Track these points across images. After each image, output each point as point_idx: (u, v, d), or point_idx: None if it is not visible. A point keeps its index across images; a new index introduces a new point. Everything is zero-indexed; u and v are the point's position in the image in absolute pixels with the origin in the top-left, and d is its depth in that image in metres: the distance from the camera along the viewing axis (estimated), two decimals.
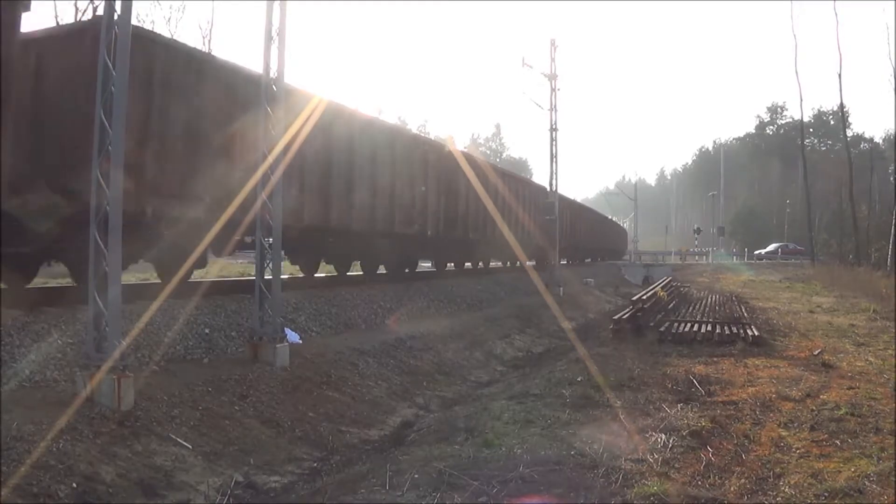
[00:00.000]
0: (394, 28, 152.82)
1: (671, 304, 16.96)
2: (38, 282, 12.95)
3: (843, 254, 35.24)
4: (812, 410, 6.47)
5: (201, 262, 9.99)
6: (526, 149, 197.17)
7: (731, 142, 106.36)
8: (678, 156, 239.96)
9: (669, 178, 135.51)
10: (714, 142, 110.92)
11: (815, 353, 9.74)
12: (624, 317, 12.37)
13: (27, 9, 6.78)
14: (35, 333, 6.74)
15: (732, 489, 4.55)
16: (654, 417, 6.30)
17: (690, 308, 16.12)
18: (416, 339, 11.18)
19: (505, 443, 5.63)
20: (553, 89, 23.78)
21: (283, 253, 9.93)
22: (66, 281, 12.77)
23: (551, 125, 23.95)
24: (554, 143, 23.98)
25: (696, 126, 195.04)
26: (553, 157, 24.12)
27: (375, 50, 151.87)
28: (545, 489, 4.53)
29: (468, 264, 21.94)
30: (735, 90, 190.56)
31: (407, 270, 17.46)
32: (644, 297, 14.64)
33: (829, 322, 14.09)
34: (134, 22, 6.41)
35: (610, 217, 59.08)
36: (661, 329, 11.63)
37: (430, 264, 20.90)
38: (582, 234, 34.97)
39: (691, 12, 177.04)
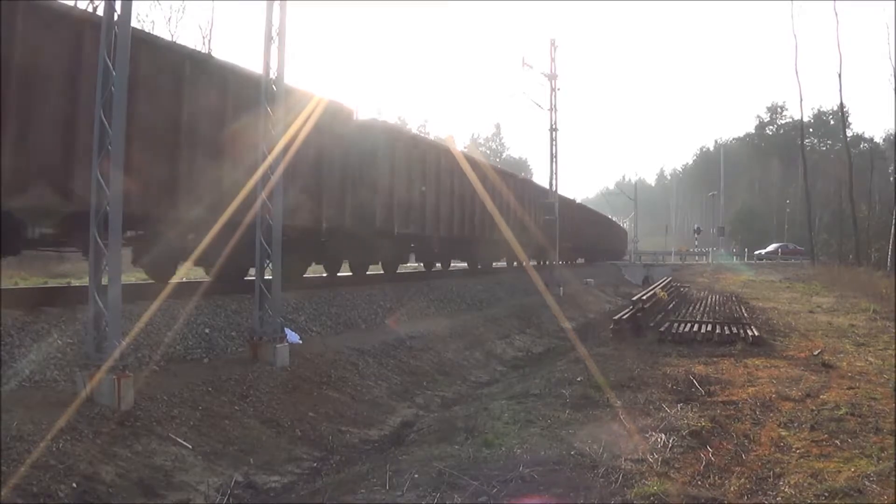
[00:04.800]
0: (394, 29, 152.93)
1: (671, 304, 16.97)
2: (37, 282, 12.97)
3: (843, 254, 35.24)
4: (812, 410, 6.47)
5: None
6: (526, 149, 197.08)
7: (731, 142, 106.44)
8: (678, 156, 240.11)
9: (669, 178, 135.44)
10: (715, 141, 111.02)
11: (815, 353, 9.74)
12: (624, 317, 12.37)
13: None
14: (35, 333, 6.73)
15: (732, 489, 4.54)
16: (654, 417, 6.29)
17: (690, 308, 16.12)
18: (416, 339, 11.18)
19: (505, 443, 5.63)
20: (553, 89, 23.81)
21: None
22: (66, 281, 12.79)
23: (551, 125, 23.96)
24: (554, 143, 24.00)
25: (696, 126, 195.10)
26: (553, 157, 24.14)
27: (375, 50, 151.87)
28: (545, 489, 4.53)
29: (468, 264, 21.91)
30: (735, 90, 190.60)
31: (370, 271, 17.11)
32: (644, 297, 14.63)
33: (829, 322, 14.09)
34: (133, 23, 6.42)
35: (610, 217, 59.09)
36: (661, 329, 11.63)
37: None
38: (582, 234, 34.97)
39: (691, 12, 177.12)
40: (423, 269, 19.33)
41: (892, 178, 50.22)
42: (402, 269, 18.11)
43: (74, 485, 4.62)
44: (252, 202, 8.50)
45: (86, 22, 7.30)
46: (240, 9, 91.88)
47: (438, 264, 19.78)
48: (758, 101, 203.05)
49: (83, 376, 5.87)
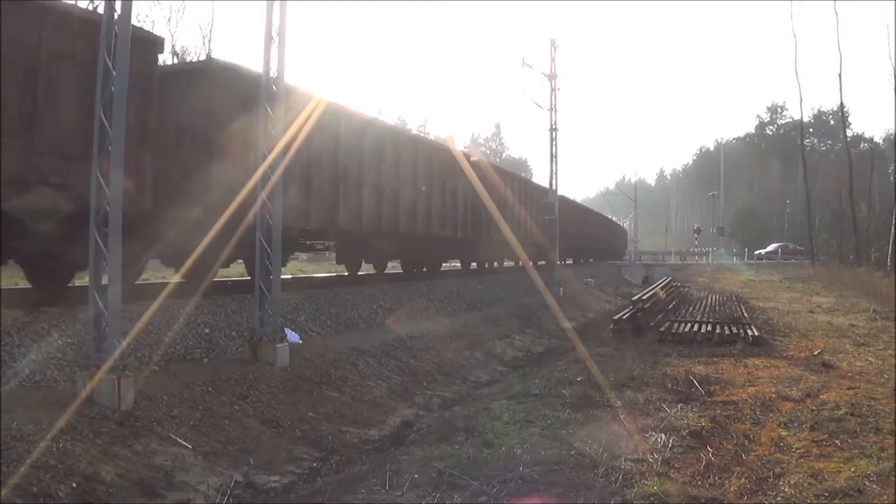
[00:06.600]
0: (394, 28, 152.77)
1: (671, 304, 16.96)
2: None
3: (843, 254, 35.21)
4: (812, 410, 6.47)
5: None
6: (526, 149, 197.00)
7: (731, 142, 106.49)
8: (678, 156, 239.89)
9: (669, 178, 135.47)
10: (715, 141, 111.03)
11: (815, 353, 9.74)
12: (624, 317, 12.37)
13: (161, 50, 7.85)
14: (35, 333, 6.73)
15: (732, 489, 4.55)
16: (654, 417, 6.30)
17: (690, 308, 16.11)
18: (416, 339, 11.18)
19: (505, 443, 5.63)
20: (553, 89, 23.80)
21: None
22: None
23: (551, 125, 23.96)
24: (554, 143, 23.99)
25: (696, 126, 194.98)
26: (553, 157, 24.14)
27: (375, 50, 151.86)
28: (545, 489, 4.53)
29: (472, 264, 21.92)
30: (735, 90, 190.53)
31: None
32: (644, 297, 14.64)
33: (829, 322, 14.08)
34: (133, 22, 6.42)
35: (610, 217, 59.12)
36: (661, 329, 11.63)
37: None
38: (582, 234, 34.96)
39: (691, 12, 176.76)
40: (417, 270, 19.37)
41: (892, 178, 50.26)
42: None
43: (74, 485, 4.62)
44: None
45: None
46: (240, 9, 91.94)
47: (456, 264, 19.97)
48: (758, 101, 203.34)
49: (83, 376, 5.87)
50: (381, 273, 16.66)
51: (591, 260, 41.66)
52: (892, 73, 66.91)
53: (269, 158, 8.42)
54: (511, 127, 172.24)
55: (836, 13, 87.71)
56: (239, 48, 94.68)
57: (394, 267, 18.75)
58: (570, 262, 34.07)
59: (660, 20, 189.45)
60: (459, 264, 21.16)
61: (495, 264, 24.65)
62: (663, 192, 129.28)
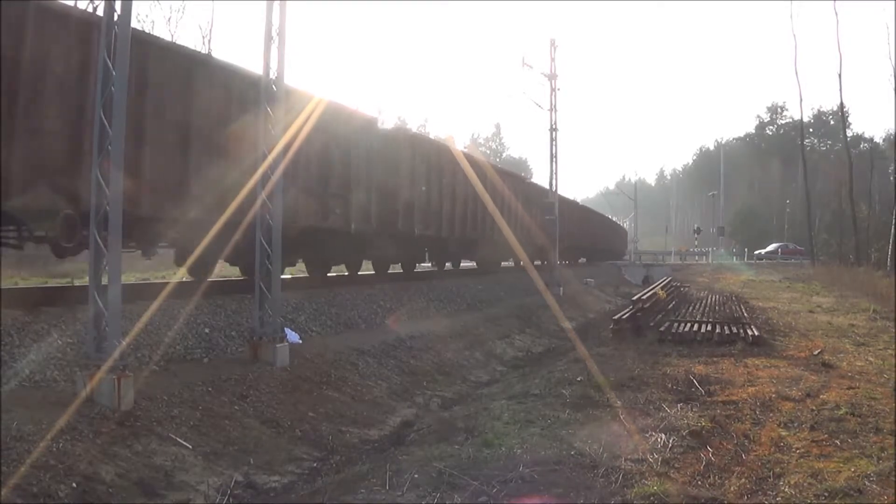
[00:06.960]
0: (394, 28, 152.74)
1: (671, 304, 16.96)
2: (37, 281, 12.98)
3: (843, 254, 35.21)
4: (812, 410, 6.47)
5: None
6: (526, 149, 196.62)
7: (731, 142, 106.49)
8: (678, 156, 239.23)
9: (669, 178, 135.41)
10: (716, 141, 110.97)
11: (815, 353, 9.74)
12: (624, 317, 12.38)
13: None
14: (35, 333, 6.73)
15: (732, 489, 4.55)
16: (654, 417, 6.30)
17: (690, 308, 16.11)
18: (416, 339, 11.18)
19: (505, 443, 5.63)
20: (553, 89, 23.80)
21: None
22: (66, 281, 12.79)
23: (551, 125, 23.95)
24: (554, 143, 23.99)
25: (696, 126, 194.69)
26: (553, 157, 24.14)
27: (375, 50, 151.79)
28: (545, 489, 4.53)
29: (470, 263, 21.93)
30: (735, 90, 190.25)
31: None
32: (644, 297, 14.65)
33: (829, 322, 14.09)
34: (133, 23, 6.42)
35: (610, 217, 59.12)
36: (661, 329, 11.63)
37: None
38: (582, 234, 34.96)
39: (691, 12, 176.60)
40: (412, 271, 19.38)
41: (892, 178, 50.26)
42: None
43: (74, 485, 4.62)
44: None
45: None
46: (240, 9, 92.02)
47: (449, 264, 19.93)
48: (758, 101, 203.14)
49: (83, 376, 5.87)
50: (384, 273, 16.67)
51: (591, 260, 41.65)
52: (892, 73, 66.93)
53: (270, 158, 8.42)
54: (511, 127, 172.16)
55: (836, 13, 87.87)
56: (239, 48, 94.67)
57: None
58: (570, 262, 34.05)
59: (660, 20, 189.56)
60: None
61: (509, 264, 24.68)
62: (663, 192, 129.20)
